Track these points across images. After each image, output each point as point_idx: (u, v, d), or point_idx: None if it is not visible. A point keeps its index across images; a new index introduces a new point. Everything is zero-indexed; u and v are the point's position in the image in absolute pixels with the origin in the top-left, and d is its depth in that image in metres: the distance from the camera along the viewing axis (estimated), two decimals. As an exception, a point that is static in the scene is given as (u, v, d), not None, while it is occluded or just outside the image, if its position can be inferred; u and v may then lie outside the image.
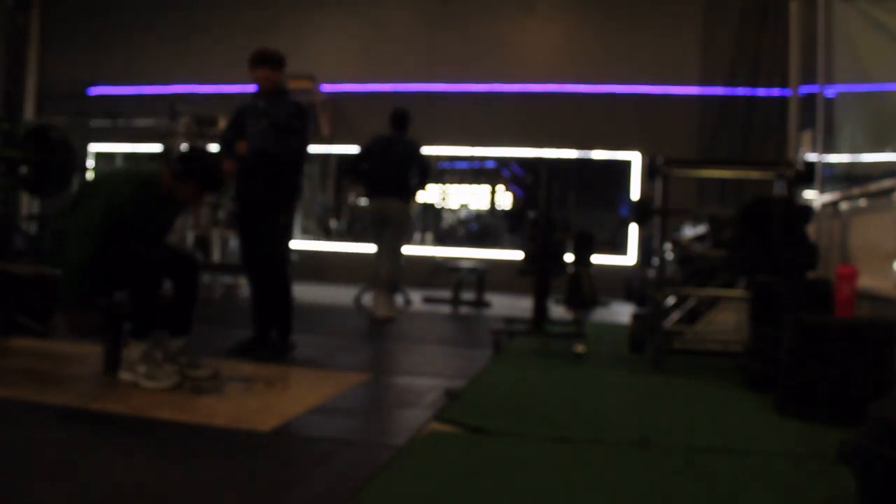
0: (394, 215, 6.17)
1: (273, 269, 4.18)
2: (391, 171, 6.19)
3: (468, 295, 7.79)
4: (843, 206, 5.11)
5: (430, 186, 10.31)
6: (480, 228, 11.01)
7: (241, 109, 4.30)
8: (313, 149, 10.84)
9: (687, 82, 9.75)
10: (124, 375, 3.19)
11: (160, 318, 3.35)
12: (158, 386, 3.09)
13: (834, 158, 5.51)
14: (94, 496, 1.92)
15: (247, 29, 10.78)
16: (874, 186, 4.49)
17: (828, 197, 5.33)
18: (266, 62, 4.21)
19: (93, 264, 3.11)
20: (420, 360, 4.53)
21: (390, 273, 6.14)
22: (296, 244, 10.70)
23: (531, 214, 5.11)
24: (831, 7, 5.53)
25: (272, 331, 4.20)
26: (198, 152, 3.54)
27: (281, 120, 4.14)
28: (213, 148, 7.66)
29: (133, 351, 3.16)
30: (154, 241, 3.41)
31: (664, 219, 4.55)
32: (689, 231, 6.21)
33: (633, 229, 9.96)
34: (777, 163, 5.52)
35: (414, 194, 6.46)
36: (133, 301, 3.24)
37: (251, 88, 4.27)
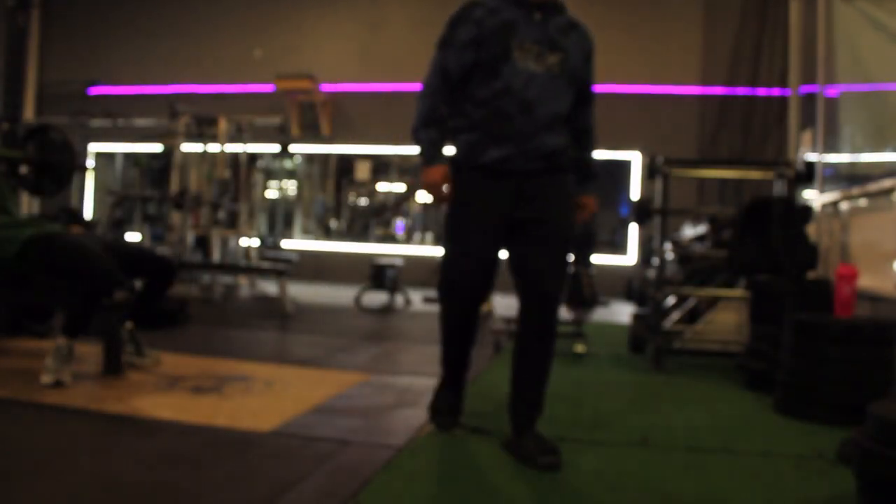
0: None
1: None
2: None
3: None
4: (843, 206, 5.11)
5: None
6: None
7: (484, 16, 2.47)
8: (312, 149, 11.02)
9: (687, 82, 9.74)
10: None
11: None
12: (45, 379, 3.04)
13: (834, 158, 5.51)
14: (94, 496, 1.92)
15: (247, 29, 10.75)
16: (874, 186, 4.49)
17: (828, 197, 5.33)
18: None
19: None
20: (420, 360, 4.53)
21: None
22: (296, 244, 10.84)
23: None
24: (831, 7, 5.53)
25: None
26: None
27: (578, 64, 2.53)
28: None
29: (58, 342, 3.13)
30: None
31: (664, 219, 4.55)
32: (689, 231, 6.21)
33: (633, 229, 9.95)
34: (777, 163, 5.52)
35: None
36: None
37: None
